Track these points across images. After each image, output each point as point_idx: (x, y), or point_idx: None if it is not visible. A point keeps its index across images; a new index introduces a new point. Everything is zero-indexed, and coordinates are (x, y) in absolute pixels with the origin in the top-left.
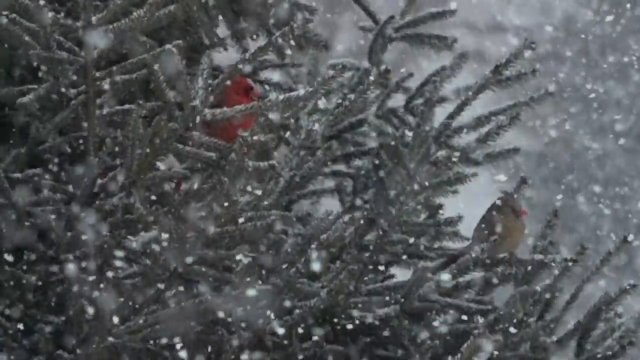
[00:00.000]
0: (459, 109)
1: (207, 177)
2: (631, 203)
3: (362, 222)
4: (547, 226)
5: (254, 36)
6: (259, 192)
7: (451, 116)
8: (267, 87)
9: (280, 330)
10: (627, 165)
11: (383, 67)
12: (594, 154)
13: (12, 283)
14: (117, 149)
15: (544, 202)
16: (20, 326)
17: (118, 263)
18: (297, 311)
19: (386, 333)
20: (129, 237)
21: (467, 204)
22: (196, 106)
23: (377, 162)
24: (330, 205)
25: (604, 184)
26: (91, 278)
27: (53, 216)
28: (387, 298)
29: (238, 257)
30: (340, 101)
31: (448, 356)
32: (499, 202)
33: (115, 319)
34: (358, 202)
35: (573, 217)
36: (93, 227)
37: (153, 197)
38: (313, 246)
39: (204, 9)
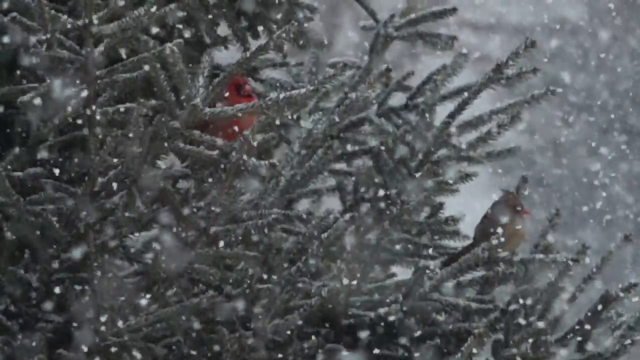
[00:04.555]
0: (460, 107)
1: (207, 176)
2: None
3: (362, 221)
4: (549, 225)
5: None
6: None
7: (452, 115)
8: (265, 85)
9: (281, 330)
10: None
11: (384, 65)
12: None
13: (12, 283)
14: (117, 148)
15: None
16: (21, 326)
17: (118, 263)
18: (297, 311)
19: (386, 332)
20: (130, 235)
21: (468, 203)
22: (197, 105)
23: (378, 160)
24: (331, 204)
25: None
26: (91, 277)
27: (53, 215)
28: (388, 297)
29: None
30: (341, 100)
31: (448, 356)
32: (500, 201)
33: (115, 319)
34: (359, 201)
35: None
36: (93, 226)
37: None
38: (314, 245)
39: (205, 8)
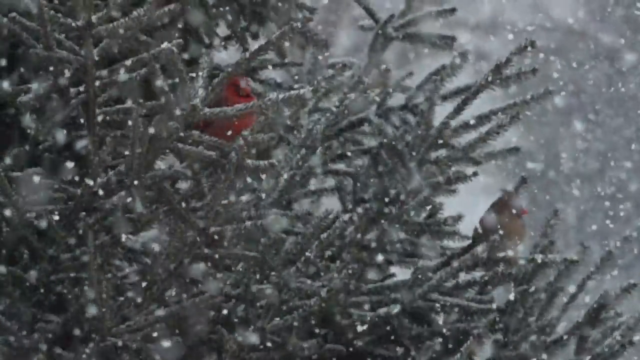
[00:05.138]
0: (459, 108)
1: (207, 176)
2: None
3: (362, 221)
4: (548, 225)
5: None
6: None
7: (451, 115)
8: (264, 85)
9: (280, 330)
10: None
11: (383, 66)
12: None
13: (12, 283)
14: (117, 148)
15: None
16: (20, 326)
17: (118, 263)
18: (297, 311)
19: (385, 333)
20: (129, 236)
21: (468, 203)
22: (196, 105)
23: (377, 161)
24: (331, 204)
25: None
26: (91, 278)
27: (53, 216)
28: (387, 297)
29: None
30: (340, 100)
31: (448, 356)
32: (499, 201)
33: (115, 319)
34: (358, 201)
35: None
36: (93, 227)
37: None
38: (313, 245)
39: (204, 8)
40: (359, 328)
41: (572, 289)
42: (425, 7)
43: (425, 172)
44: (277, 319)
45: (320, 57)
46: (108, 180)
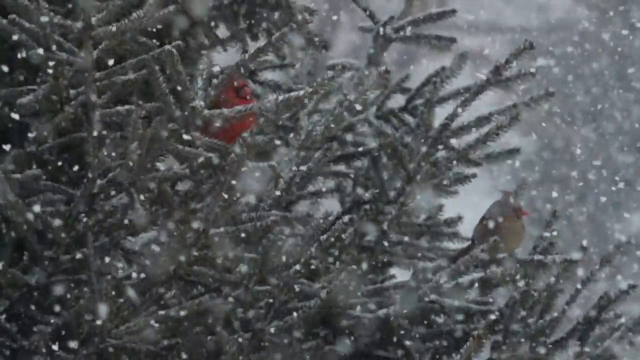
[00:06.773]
0: (459, 109)
1: (207, 178)
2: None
3: (362, 222)
4: (547, 226)
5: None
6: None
7: (451, 117)
8: (263, 87)
9: (281, 331)
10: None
11: (383, 67)
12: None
13: (12, 283)
14: (117, 149)
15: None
16: (20, 328)
17: (117, 264)
18: (297, 312)
19: (385, 334)
20: (129, 237)
21: (467, 204)
22: (195, 107)
23: (377, 162)
24: (330, 205)
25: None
26: (90, 279)
27: (52, 217)
28: (387, 299)
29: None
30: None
31: (448, 356)
32: (499, 202)
33: (115, 321)
34: (358, 202)
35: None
36: (92, 228)
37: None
38: (313, 247)
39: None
40: (358, 330)
41: (571, 290)
42: (426, 8)
43: (425, 173)
44: (277, 320)
45: (319, 59)
46: (107, 182)
